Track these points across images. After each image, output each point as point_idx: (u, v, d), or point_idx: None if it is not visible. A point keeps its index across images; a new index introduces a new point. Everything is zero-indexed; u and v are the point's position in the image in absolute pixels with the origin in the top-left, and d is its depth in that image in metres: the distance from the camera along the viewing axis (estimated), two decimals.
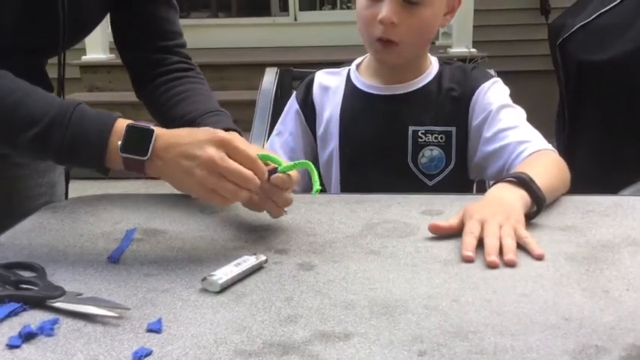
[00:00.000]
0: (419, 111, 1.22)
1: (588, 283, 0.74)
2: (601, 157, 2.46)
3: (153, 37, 1.14)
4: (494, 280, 0.76)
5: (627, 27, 2.43)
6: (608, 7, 2.52)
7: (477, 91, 1.22)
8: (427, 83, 1.24)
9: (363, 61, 1.31)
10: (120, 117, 0.85)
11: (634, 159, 2.24)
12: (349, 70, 1.31)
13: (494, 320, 0.66)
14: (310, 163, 0.91)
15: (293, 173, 0.91)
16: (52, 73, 1.18)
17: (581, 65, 2.54)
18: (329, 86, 1.30)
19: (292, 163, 0.91)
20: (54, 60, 1.14)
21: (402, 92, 1.24)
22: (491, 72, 1.37)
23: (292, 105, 1.33)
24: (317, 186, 0.89)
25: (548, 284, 0.74)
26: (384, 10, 1.12)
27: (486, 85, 1.22)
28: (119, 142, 0.82)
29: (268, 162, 0.90)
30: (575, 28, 2.57)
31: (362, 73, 1.29)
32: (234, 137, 0.84)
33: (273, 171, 0.89)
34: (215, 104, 1.10)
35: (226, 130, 1.02)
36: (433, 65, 1.27)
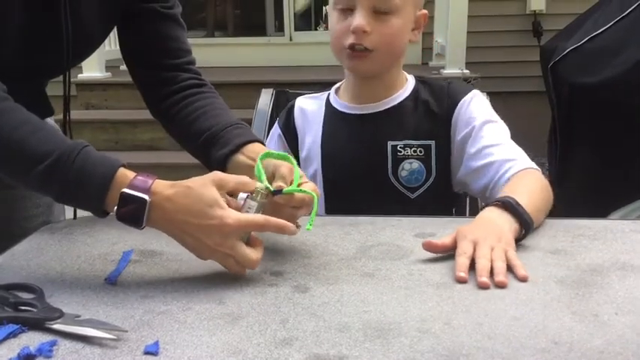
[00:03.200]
0: (397, 127, 1.26)
1: (578, 307, 0.76)
2: (592, 179, 2.48)
3: (164, 56, 1.16)
4: (485, 303, 0.77)
5: (618, 50, 2.47)
6: (599, 30, 2.56)
7: (459, 106, 1.25)
8: (404, 99, 1.28)
9: (341, 85, 1.36)
10: (123, 165, 0.85)
11: (625, 182, 2.26)
12: (328, 94, 1.36)
13: (486, 344, 0.68)
14: (316, 195, 0.92)
15: (297, 194, 0.92)
16: (54, 90, 1.19)
17: (573, 88, 2.57)
18: (310, 110, 1.36)
19: (298, 188, 0.92)
20: (57, 77, 1.15)
21: (380, 110, 1.28)
22: (483, 92, 1.40)
23: (275, 131, 1.38)
24: (311, 222, 0.91)
25: (539, 308, 0.76)
26: (357, 20, 1.17)
27: (467, 98, 1.25)
28: (115, 208, 0.82)
29: (280, 164, 0.94)
30: (567, 51, 2.60)
31: (340, 96, 1.34)
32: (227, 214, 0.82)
33: (279, 191, 0.90)
34: (234, 117, 1.12)
35: (251, 141, 1.06)
36: (409, 82, 1.31)
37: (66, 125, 1.14)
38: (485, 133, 1.21)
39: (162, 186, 0.83)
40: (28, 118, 0.87)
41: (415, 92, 1.29)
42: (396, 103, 1.28)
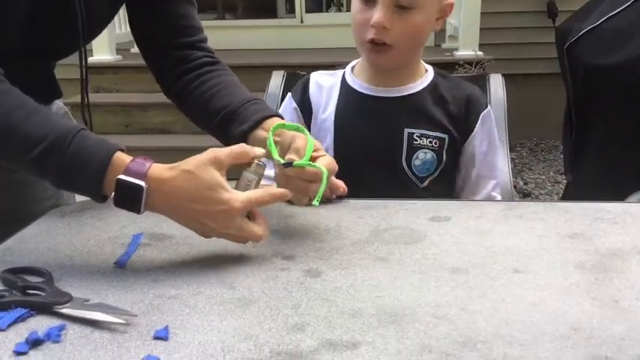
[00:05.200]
0: (414, 115, 1.25)
1: (597, 293, 0.74)
2: (608, 161, 2.45)
3: (176, 35, 1.14)
4: (502, 288, 0.76)
5: (636, 31, 2.42)
6: (616, 10, 2.51)
7: (478, 122, 1.27)
8: (422, 89, 1.27)
9: (357, 64, 1.34)
10: (120, 149, 0.83)
11: None
12: (344, 72, 1.34)
13: (503, 330, 0.66)
14: (326, 171, 0.91)
15: (309, 168, 0.92)
16: (64, 73, 1.18)
17: (589, 69, 2.52)
18: (325, 85, 1.33)
19: (308, 162, 0.92)
20: (65, 61, 1.14)
21: (398, 95, 1.27)
22: (497, 74, 1.44)
23: (289, 104, 1.35)
24: (318, 198, 0.90)
25: (557, 293, 0.74)
26: (377, 15, 1.15)
27: (484, 114, 1.28)
28: (112, 194, 0.81)
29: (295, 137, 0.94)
30: (583, 32, 2.55)
31: (356, 75, 1.32)
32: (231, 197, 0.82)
33: (289, 164, 0.90)
34: (249, 93, 1.11)
35: (270, 116, 1.04)
36: (429, 72, 1.31)
37: (84, 108, 1.13)
38: (488, 162, 1.28)
39: (160, 170, 0.81)
40: (23, 101, 0.84)
41: (434, 85, 1.28)
42: (414, 91, 1.27)
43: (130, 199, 0.80)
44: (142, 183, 0.80)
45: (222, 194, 0.80)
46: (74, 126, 0.84)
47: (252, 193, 0.84)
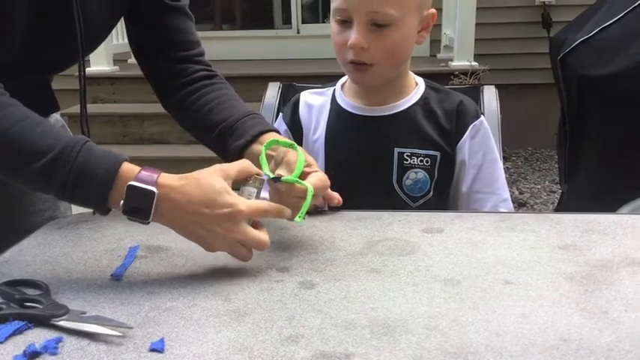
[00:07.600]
0: (404, 133, 1.23)
1: (587, 304, 0.75)
2: (602, 172, 2.46)
3: (174, 49, 1.15)
4: (493, 299, 0.77)
5: (629, 42, 2.44)
6: (610, 22, 2.53)
7: (467, 132, 1.24)
8: (412, 105, 1.25)
9: (347, 81, 1.32)
10: (126, 160, 0.84)
11: (634, 175, 2.24)
12: (334, 90, 1.32)
13: (494, 341, 0.67)
14: (312, 189, 0.92)
15: (298, 185, 0.93)
16: (62, 84, 1.18)
17: (583, 80, 2.55)
18: (315, 105, 1.32)
19: (296, 179, 0.93)
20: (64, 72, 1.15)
21: (388, 113, 1.25)
22: (491, 85, 1.42)
23: (280, 126, 1.32)
24: (301, 215, 0.91)
25: (548, 304, 0.75)
26: (353, 36, 1.13)
27: (476, 124, 1.25)
28: (121, 202, 0.81)
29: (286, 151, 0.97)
30: (577, 42, 2.58)
31: (346, 93, 1.30)
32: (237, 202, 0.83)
33: (277, 178, 0.92)
34: (247, 107, 1.13)
35: (267, 131, 1.07)
36: (419, 86, 1.28)
37: (82, 120, 1.14)
38: (486, 175, 1.24)
39: (170, 178, 0.83)
40: (27, 113, 0.85)
41: (425, 99, 1.26)
42: (404, 107, 1.25)
43: (140, 205, 0.81)
44: (153, 189, 0.81)
45: (227, 198, 0.82)
46: (81, 137, 0.85)
47: (256, 202, 0.87)
